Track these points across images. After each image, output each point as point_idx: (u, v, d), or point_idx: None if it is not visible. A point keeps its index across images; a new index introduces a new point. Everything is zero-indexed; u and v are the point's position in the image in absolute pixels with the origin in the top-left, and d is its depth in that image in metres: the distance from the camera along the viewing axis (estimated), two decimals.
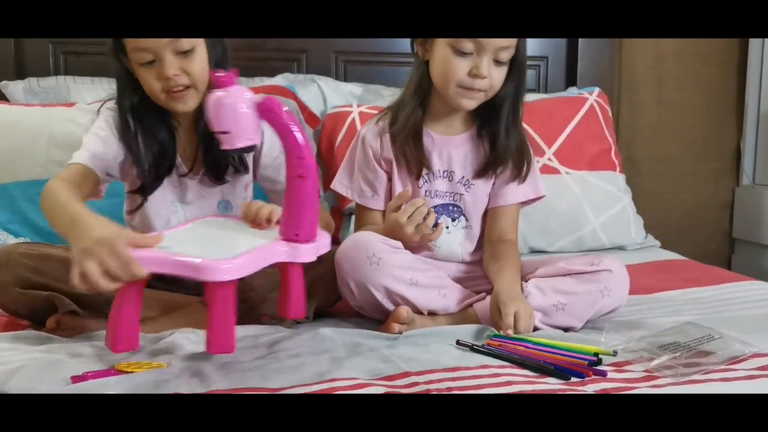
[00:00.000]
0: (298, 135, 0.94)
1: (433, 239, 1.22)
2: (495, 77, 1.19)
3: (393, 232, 1.18)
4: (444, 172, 1.28)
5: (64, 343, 1.07)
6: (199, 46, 1.15)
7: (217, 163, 1.23)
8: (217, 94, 0.95)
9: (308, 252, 0.98)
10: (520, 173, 1.27)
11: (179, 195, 1.27)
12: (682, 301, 1.34)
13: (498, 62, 1.18)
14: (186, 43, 1.13)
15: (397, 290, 1.14)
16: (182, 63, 1.14)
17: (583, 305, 1.13)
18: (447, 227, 1.29)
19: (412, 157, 1.26)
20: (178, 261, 0.91)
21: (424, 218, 1.16)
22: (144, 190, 1.23)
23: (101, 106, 1.25)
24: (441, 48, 1.19)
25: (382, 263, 1.13)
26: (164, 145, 1.21)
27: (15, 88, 1.77)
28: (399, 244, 1.18)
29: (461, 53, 1.17)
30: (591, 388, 0.88)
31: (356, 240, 1.16)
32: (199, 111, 1.16)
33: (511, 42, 1.18)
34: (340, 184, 1.33)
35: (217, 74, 0.95)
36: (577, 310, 1.13)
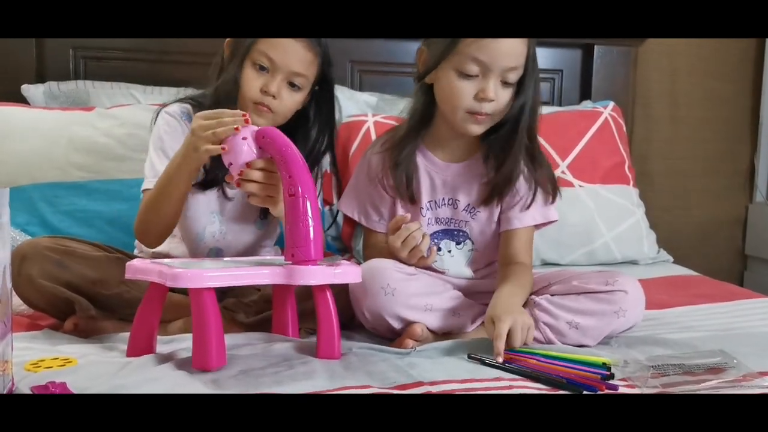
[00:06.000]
0: (290, 155, 1.03)
1: (428, 263, 1.20)
2: (502, 100, 1.16)
3: (391, 255, 1.18)
4: (448, 200, 1.27)
5: (78, 345, 1.09)
6: (303, 92, 1.25)
7: None
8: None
9: (305, 274, 1.00)
10: (526, 200, 1.24)
11: (220, 205, 1.28)
12: (694, 317, 1.33)
13: (505, 84, 1.16)
14: (298, 80, 1.22)
15: (412, 318, 1.13)
16: (284, 91, 1.22)
17: (597, 325, 1.12)
18: (450, 251, 1.28)
19: (405, 190, 1.24)
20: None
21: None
22: (205, 184, 1.25)
23: (160, 109, 1.28)
24: (446, 73, 1.16)
25: (396, 293, 1.12)
26: None
27: (36, 91, 1.79)
28: (413, 269, 1.17)
29: (467, 76, 1.14)
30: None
31: (371, 268, 1.14)
32: None
33: (518, 62, 1.15)
34: (347, 205, 1.33)
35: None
36: (591, 330, 1.12)
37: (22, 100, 1.78)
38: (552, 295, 1.17)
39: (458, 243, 1.28)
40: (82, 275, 1.15)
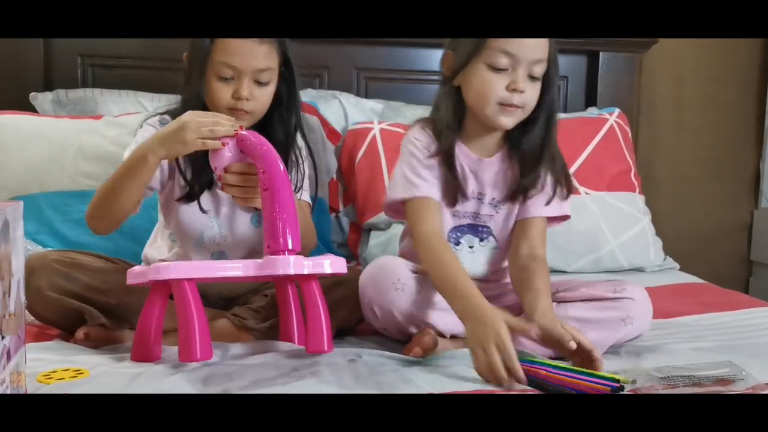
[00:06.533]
0: (265, 152, 1.08)
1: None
2: (530, 93, 1.18)
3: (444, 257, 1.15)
4: (477, 194, 1.27)
5: (90, 355, 1.10)
6: (272, 83, 1.25)
7: None
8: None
9: (285, 264, 1.03)
10: (546, 193, 1.25)
11: (214, 209, 1.28)
12: (701, 326, 1.33)
13: (532, 78, 1.18)
14: (265, 76, 1.22)
15: (421, 316, 1.14)
16: (255, 91, 1.22)
17: (604, 333, 1.13)
18: (471, 246, 1.28)
19: (446, 182, 1.23)
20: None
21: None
22: (190, 197, 1.25)
23: (143, 121, 1.29)
24: (475, 68, 1.18)
25: (407, 289, 1.13)
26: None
27: (43, 99, 1.80)
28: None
29: (497, 69, 1.17)
30: None
31: (381, 265, 1.15)
32: None
33: (543, 55, 1.17)
34: (403, 189, 1.22)
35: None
36: (598, 338, 1.12)
37: (30, 108, 1.79)
38: (559, 302, 1.17)
39: (481, 240, 1.28)
40: (89, 286, 1.16)
